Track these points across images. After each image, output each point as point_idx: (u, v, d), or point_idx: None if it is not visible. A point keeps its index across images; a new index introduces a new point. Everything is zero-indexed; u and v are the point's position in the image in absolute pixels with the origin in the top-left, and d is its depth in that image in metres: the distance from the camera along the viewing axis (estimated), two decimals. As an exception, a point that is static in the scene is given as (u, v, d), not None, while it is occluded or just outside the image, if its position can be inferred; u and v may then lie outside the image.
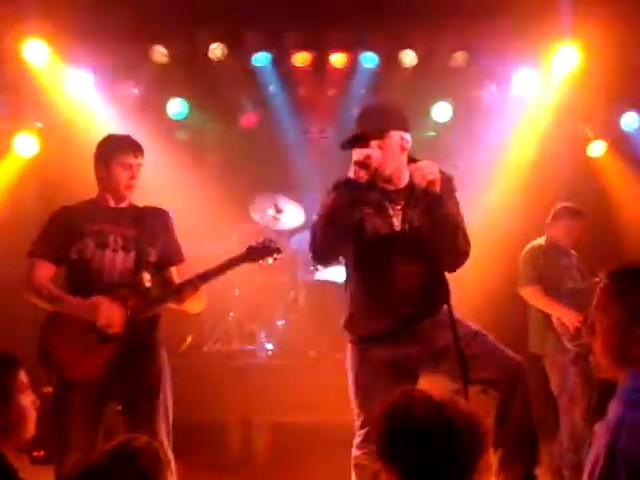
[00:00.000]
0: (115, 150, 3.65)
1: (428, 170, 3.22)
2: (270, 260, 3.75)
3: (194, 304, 3.66)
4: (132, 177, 3.65)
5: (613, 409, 1.85)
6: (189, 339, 6.30)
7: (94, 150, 3.75)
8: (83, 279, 3.56)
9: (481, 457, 1.76)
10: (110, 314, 3.46)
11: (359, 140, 3.27)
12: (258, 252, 3.72)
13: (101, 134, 3.91)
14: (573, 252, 5.12)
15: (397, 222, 3.35)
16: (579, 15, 6.12)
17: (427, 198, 3.27)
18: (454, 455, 1.74)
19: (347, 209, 3.26)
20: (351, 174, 3.24)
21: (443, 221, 3.29)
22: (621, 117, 6.92)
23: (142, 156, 3.69)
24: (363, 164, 3.21)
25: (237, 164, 7.33)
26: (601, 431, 1.80)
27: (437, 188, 3.24)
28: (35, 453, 4.99)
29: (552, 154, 6.83)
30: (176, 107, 6.92)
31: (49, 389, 3.73)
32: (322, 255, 3.46)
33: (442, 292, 3.24)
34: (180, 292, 3.57)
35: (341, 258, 3.59)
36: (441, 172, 3.28)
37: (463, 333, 3.28)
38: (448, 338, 3.16)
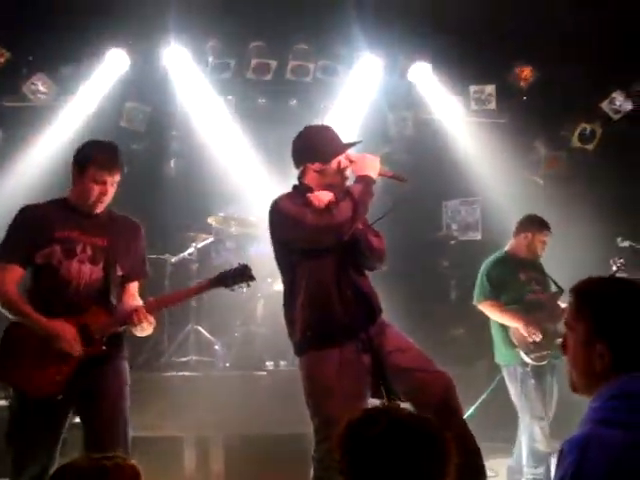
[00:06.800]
0: (93, 162, 3.44)
1: None
2: (244, 289, 3.70)
3: (146, 328, 3.50)
4: (104, 193, 3.47)
5: (581, 427, 1.85)
6: (147, 351, 6.21)
7: (74, 151, 3.54)
8: (49, 286, 3.41)
9: (446, 476, 1.76)
10: (73, 340, 3.33)
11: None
12: (231, 279, 3.61)
13: (59, 141, 3.77)
14: (536, 263, 5.11)
15: None
16: (534, 36, 6.28)
17: None
18: (421, 473, 1.74)
19: None
20: None
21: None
22: (575, 132, 7.09)
23: (120, 172, 3.50)
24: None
25: (195, 173, 7.28)
26: (569, 449, 1.80)
27: None
28: (-11, 469, 4.85)
29: (508, 168, 6.93)
30: (133, 115, 6.85)
31: (4, 403, 3.63)
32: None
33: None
34: (149, 314, 3.45)
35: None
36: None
37: (394, 347, 3.38)
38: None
